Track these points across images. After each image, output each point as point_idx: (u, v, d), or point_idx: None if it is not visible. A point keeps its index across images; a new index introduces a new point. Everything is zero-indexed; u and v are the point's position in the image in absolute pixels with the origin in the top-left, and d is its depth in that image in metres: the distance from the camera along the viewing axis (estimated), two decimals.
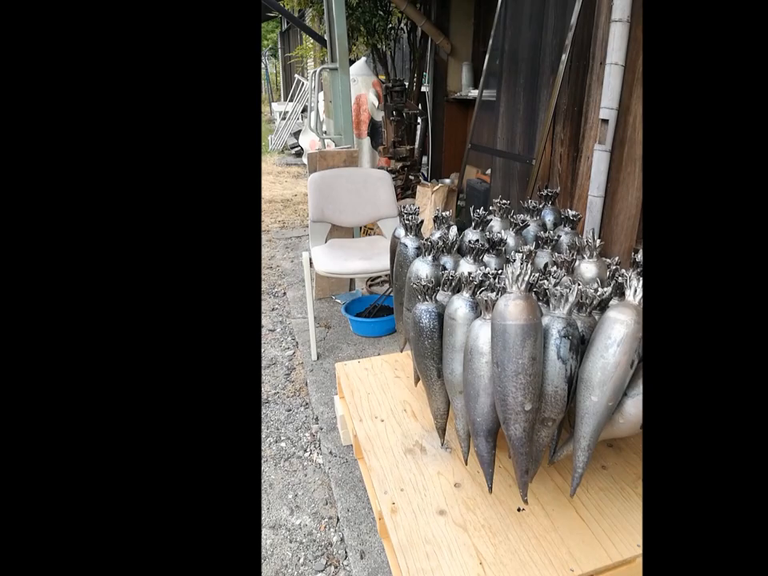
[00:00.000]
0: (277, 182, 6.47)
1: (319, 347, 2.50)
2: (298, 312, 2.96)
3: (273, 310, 3.03)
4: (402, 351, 1.77)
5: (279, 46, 15.57)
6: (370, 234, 3.12)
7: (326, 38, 4.34)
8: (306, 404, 2.16)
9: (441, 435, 1.47)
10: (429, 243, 1.44)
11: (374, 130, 3.96)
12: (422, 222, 1.59)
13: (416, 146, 3.66)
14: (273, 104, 13.20)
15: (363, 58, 3.95)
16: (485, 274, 1.27)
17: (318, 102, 4.50)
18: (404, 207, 1.70)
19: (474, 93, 4.17)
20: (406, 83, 3.65)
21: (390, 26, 4.40)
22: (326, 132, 3.44)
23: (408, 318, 1.52)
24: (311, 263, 2.44)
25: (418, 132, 4.78)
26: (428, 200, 2.70)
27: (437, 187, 2.54)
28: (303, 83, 8.72)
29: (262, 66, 16.75)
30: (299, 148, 8.03)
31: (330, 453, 1.87)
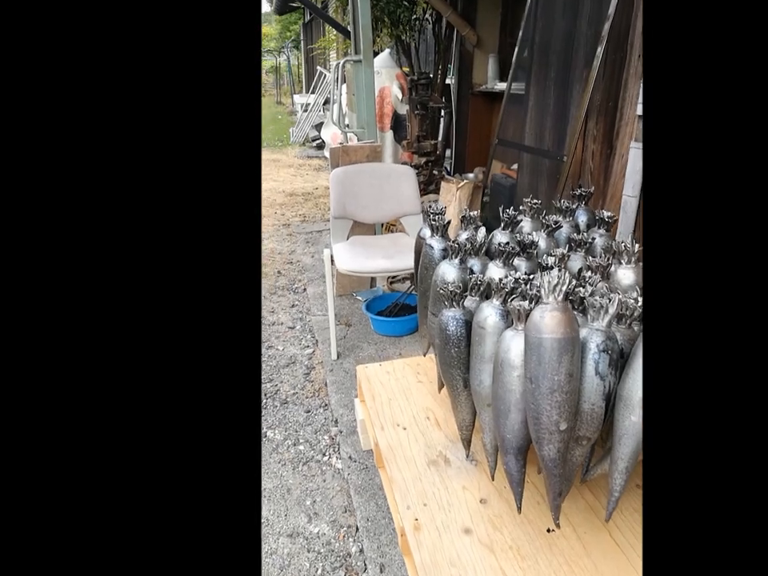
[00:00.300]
0: (298, 175, 6.43)
1: (339, 346, 2.45)
2: (318, 309, 2.91)
3: (293, 306, 2.99)
4: (425, 355, 1.72)
5: (302, 38, 15.51)
6: (392, 231, 3.06)
7: (349, 29, 4.27)
8: (326, 405, 2.11)
9: (466, 447, 1.41)
10: (456, 245, 1.37)
11: (398, 124, 3.89)
12: (448, 222, 1.52)
13: (439, 139, 3.57)
14: (294, 96, 13.16)
15: (387, 50, 3.87)
16: (516, 280, 1.20)
17: (340, 94, 4.44)
18: (429, 206, 1.63)
19: (501, 86, 4.06)
20: (431, 75, 3.57)
21: (415, 16, 4.31)
22: (348, 125, 3.38)
23: (433, 322, 1.46)
24: (332, 261, 2.39)
25: (442, 125, 4.69)
26: (452, 196, 2.63)
27: (462, 183, 2.46)
28: (325, 75, 8.66)
29: (284, 58, 16.72)
30: (321, 140, 7.98)
31: (350, 458, 1.82)
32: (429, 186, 3.29)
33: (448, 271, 1.38)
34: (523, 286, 1.19)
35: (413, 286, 2.75)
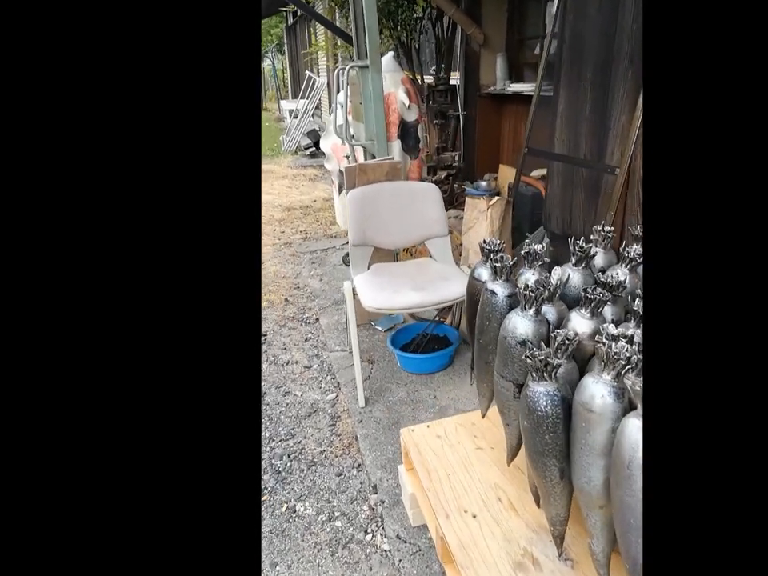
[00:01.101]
0: (293, 187, 6.14)
1: (365, 389, 2.17)
2: (335, 343, 2.63)
3: (306, 340, 2.70)
4: (483, 416, 1.45)
5: (285, 41, 15.20)
6: (411, 254, 2.79)
7: (348, 31, 3.99)
8: (359, 466, 1.83)
9: (558, 545, 1.14)
10: (529, 294, 1.10)
11: (405, 132, 3.61)
12: (514, 263, 1.25)
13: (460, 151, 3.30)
14: (282, 102, 12.85)
15: (390, 53, 3.61)
16: (629, 343, 0.94)
17: (346, 102, 4.16)
18: (485, 242, 1.37)
19: (516, 87, 3.80)
20: (452, 82, 3.29)
21: (415, 16, 4.04)
22: (353, 137, 3.10)
23: (504, 387, 1.19)
24: (354, 293, 2.12)
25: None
26: (479, 213, 2.37)
27: (494, 201, 2.21)
28: (314, 80, 8.37)
29: (269, 62, 16.40)
30: (313, 149, 7.70)
31: (398, 536, 1.55)
32: (450, 202, 3.02)
33: (520, 325, 1.12)
34: (637, 353, 0.93)
35: (440, 317, 2.48)
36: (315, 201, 5.46)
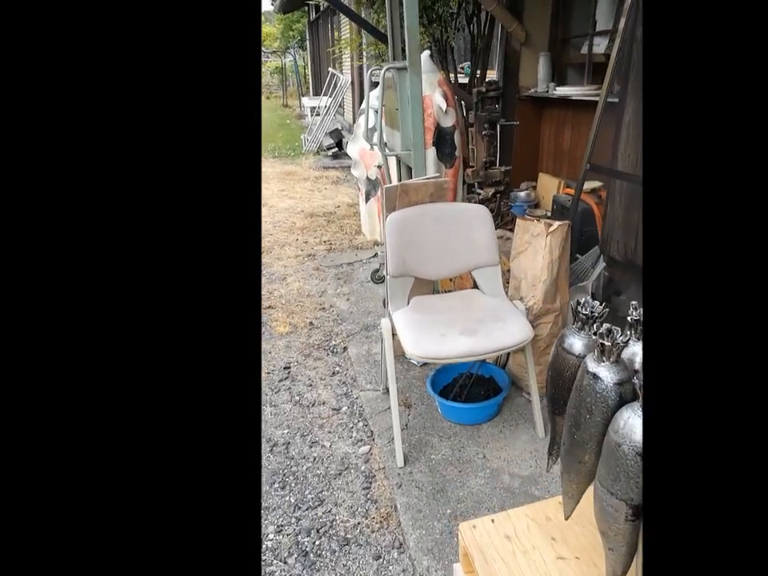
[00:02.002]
0: (315, 190, 5.87)
1: (403, 441, 1.89)
2: (365, 379, 2.35)
3: (333, 374, 2.43)
4: (567, 519, 1.16)
5: (307, 37, 14.93)
6: (453, 282, 2.50)
7: (381, 29, 3.71)
8: (400, 546, 1.56)
9: None
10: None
11: (441, 139, 3.32)
12: (627, 341, 0.96)
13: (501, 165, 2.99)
14: (303, 99, 12.60)
15: (426, 52, 3.31)
16: None
17: (376, 105, 3.87)
18: (579, 303, 1.07)
19: (561, 91, 3.48)
20: (500, 85, 2.99)
21: (452, 11, 3.73)
22: (387, 144, 2.82)
23: (613, 507, 0.91)
24: (393, 333, 1.84)
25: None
26: (531, 237, 2.07)
27: (555, 226, 1.91)
28: (339, 77, 8.09)
29: (290, 58, 16.13)
30: (336, 149, 7.42)
31: None
32: (496, 222, 2.73)
33: (641, 429, 0.83)
34: None
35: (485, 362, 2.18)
36: (339, 206, 5.18)
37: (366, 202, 4.12)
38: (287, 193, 5.70)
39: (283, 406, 2.19)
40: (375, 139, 3.13)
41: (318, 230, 4.47)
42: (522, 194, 3.76)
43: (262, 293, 3.25)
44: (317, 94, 14.17)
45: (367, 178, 4.03)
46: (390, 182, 3.01)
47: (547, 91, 3.67)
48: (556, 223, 2.00)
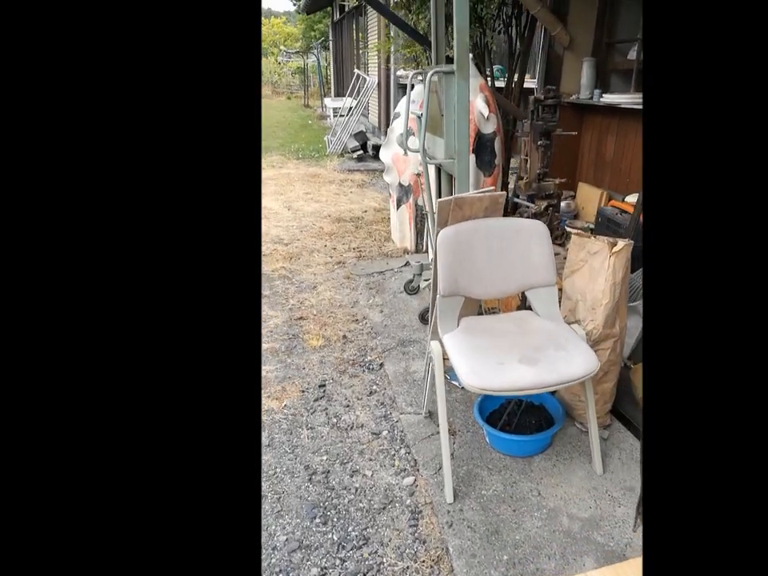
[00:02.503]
0: (341, 193, 5.76)
1: (451, 474, 1.76)
2: (405, 400, 2.23)
3: (371, 394, 2.31)
4: None
5: (330, 38, 14.85)
6: (500, 301, 2.36)
7: (416, 30, 3.58)
8: None
9: None
10: None
11: (481, 146, 3.18)
12: None
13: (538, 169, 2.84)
14: (326, 99, 12.51)
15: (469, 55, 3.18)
16: None
17: (417, 110, 3.74)
18: None
19: (608, 99, 3.32)
20: (559, 93, 2.84)
21: (492, 13, 3.59)
22: (426, 151, 2.68)
23: None
24: (445, 358, 1.71)
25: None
26: (588, 255, 1.93)
27: (620, 247, 1.77)
28: (364, 79, 7.98)
29: (313, 59, 16.06)
30: (361, 151, 7.31)
31: None
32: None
33: None
34: None
35: None
36: (366, 211, 5.07)
37: (398, 208, 4.00)
38: (312, 196, 5.59)
39: (320, 428, 2.07)
40: (411, 145, 3.01)
41: (347, 236, 4.35)
42: (562, 204, 3.61)
43: (293, 302, 3.14)
44: (339, 94, 14.09)
45: (399, 184, 3.90)
46: (430, 192, 2.88)
47: (591, 98, 3.52)
48: (620, 242, 1.86)
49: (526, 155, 2.71)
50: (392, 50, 4.31)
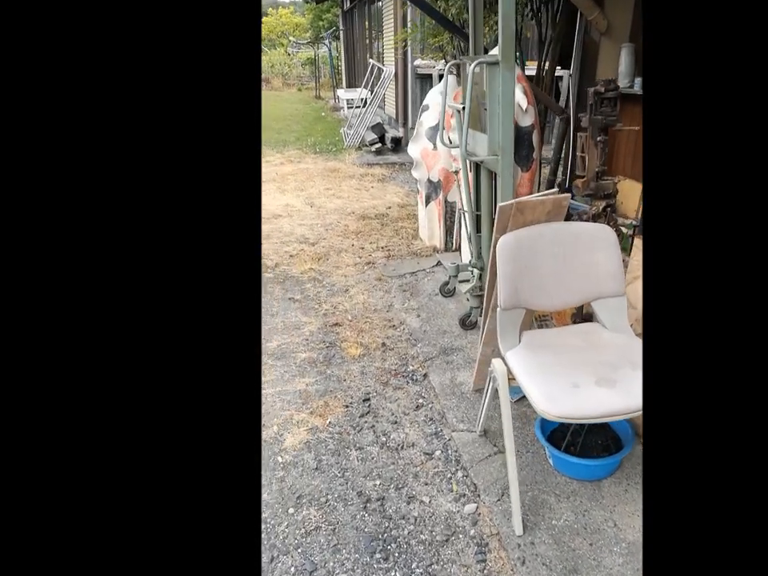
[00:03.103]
0: (362, 189, 5.61)
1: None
2: (455, 416, 2.10)
3: (418, 408, 2.18)
4: None
5: (341, 27, 14.61)
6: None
7: (447, 18, 3.41)
8: None
9: None
10: None
11: (518, 139, 3.02)
12: None
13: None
14: (339, 91, 12.31)
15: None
16: None
17: (441, 102, 3.59)
18: None
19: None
20: (618, 84, 2.69)
21: None
22: (467, 147, 2.53)
23: None
24: (510, 377, 1.57)
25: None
26: None
27: None
28: (380, 69, 7.79)
29: (325, 49, 15.84)
30: (379, 144, 7.14)
31: None
32: None
33: None
34: None
35: None
36: (390, 207, 4.92)
37: (426, 205, 3.86)
38: (334, 192, 5.45)
39: (369, 448, 1.95)
40: (446, 139, 2.86)
41: (373, 234, 4.21)
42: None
43: (326, 307, 3.02)
44: (351, 85, 13.88)
45: (429, 180, 3.75)
46: (468, 190, 2.73)
47: (631, 86, 3.33)
48: None
49: (583, 152, 2.55)
50: (416, 38, 4.12)
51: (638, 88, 3.26)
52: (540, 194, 1.81)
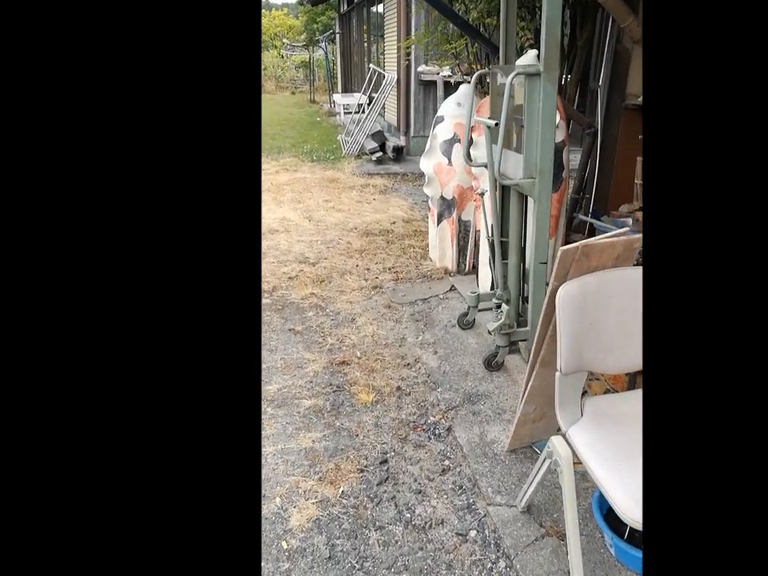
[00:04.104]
0: (364, 201, 5.31)
1: None
2: (490, 485, 1.79)
3: (444, 472, 1.87)
4: None
5: (338, 30, 14.33)
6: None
7: (468, 22, 3.12)
8: None
9: None
10: None
11: None
12: None
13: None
14: (335, 96, 12.01)
15: (533, 51, 2.74)
16: None
17: (452, 113, 3.29)
18: None
19: None
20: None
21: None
22: (499, 169, 2.24)
23: None
24: (575, 459, 1.28)
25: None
26: None
27: None
28: (385, 75, 7.50)
29: (321, 52, 15.53)
30: (380, 153, 6.84)
31: None
32: None
33: None
34: None
35: None
36: (394, 222, 4.61)
37: (438, 224, 3.56)
38: (333, 204, 5.14)
39: (391, 528, 1.64)
40: (475, 158, 2.56)
41: (379, 253, 3.90)
42: (632, 221, 3.16)
43: (331, 341, 2.70)
44: (347, 90, 13.58)
45: (441, 197, 3.46)
46: (498, 215, 2.43)
47: None
48: None
49: (642, 179, 2.27)
50: (429, 43, 3.83)
51: None
52: (609, 234, 1.51)
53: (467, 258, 3.56)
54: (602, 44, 3.31)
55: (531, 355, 1.65)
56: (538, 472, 1.51)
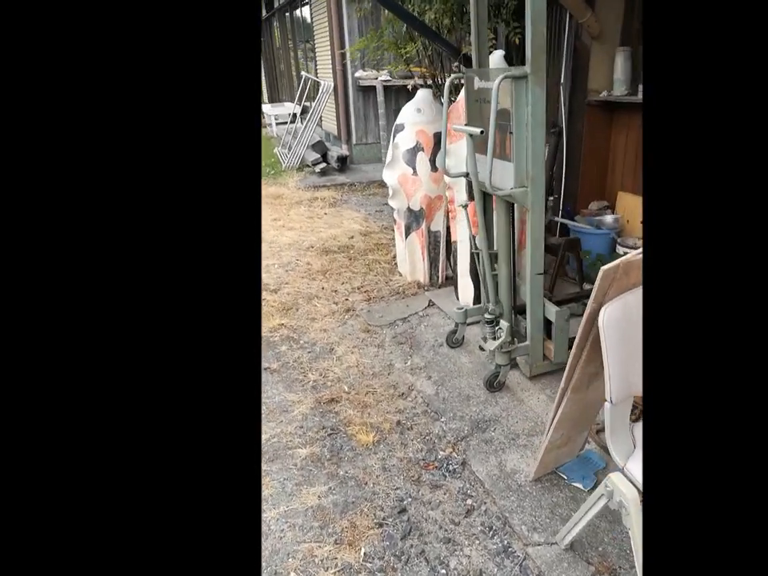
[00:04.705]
0: (314, 216, 5.09)
1: None
2: (523, 522, 1.64)
3: (469, 513, 1.71)
4: None
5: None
6: None
7: (430, 27, 2.98)
8: None
9: None
10: None
11: None
12: None
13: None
14: (263, 106, 11.66)
15: (500, 51, 2.62)
16: None
17: (411, 120, 3.14)
18: None
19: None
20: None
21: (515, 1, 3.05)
22: (491, 181, 2.10)
23: None
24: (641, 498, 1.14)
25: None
26: None
27: None
28: (314, 82, 7.29)
29: None
30: (323, 164, 6.64)
31: None
32: None
33: None
34: None
35: None
36: (352, 237, 4.42)
37: (406, 237, 3.41)
38: (283, 222, 4.89)
39: None
40: (450, 167, 2.42)
41: (343, 272, 3.70)
42: (609, 218, 3.13)
43: (313, 377, 2.48)
44: (273, 100, 13.23)
45: (408, 209, 3.31)
46: (485, 227, 2.29)
47: (628, 94, 3.05)
48: None
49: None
50: (380, 48, 3.67)
51: (641, 96, 2.97)
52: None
53: (439, 270, 3.43)
54: (559, 41, 3.26)
55: (563, 380, 1.51)
56: (589, 510, 1.38)
